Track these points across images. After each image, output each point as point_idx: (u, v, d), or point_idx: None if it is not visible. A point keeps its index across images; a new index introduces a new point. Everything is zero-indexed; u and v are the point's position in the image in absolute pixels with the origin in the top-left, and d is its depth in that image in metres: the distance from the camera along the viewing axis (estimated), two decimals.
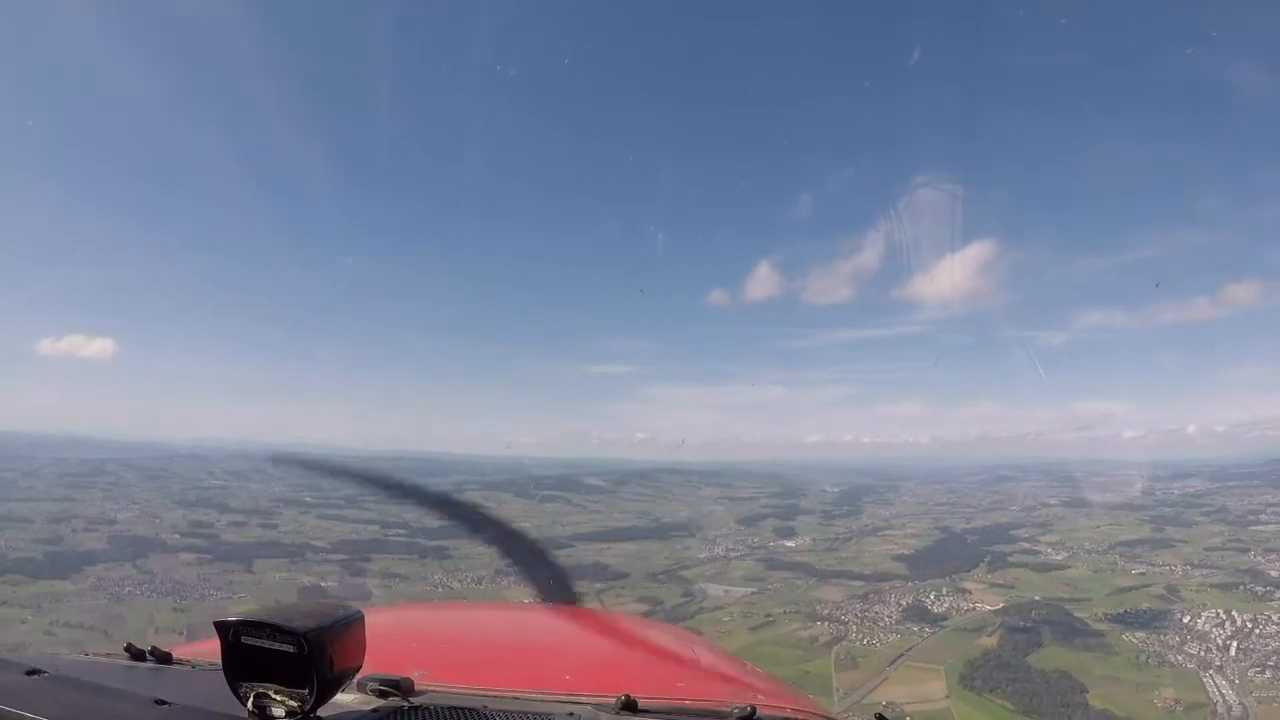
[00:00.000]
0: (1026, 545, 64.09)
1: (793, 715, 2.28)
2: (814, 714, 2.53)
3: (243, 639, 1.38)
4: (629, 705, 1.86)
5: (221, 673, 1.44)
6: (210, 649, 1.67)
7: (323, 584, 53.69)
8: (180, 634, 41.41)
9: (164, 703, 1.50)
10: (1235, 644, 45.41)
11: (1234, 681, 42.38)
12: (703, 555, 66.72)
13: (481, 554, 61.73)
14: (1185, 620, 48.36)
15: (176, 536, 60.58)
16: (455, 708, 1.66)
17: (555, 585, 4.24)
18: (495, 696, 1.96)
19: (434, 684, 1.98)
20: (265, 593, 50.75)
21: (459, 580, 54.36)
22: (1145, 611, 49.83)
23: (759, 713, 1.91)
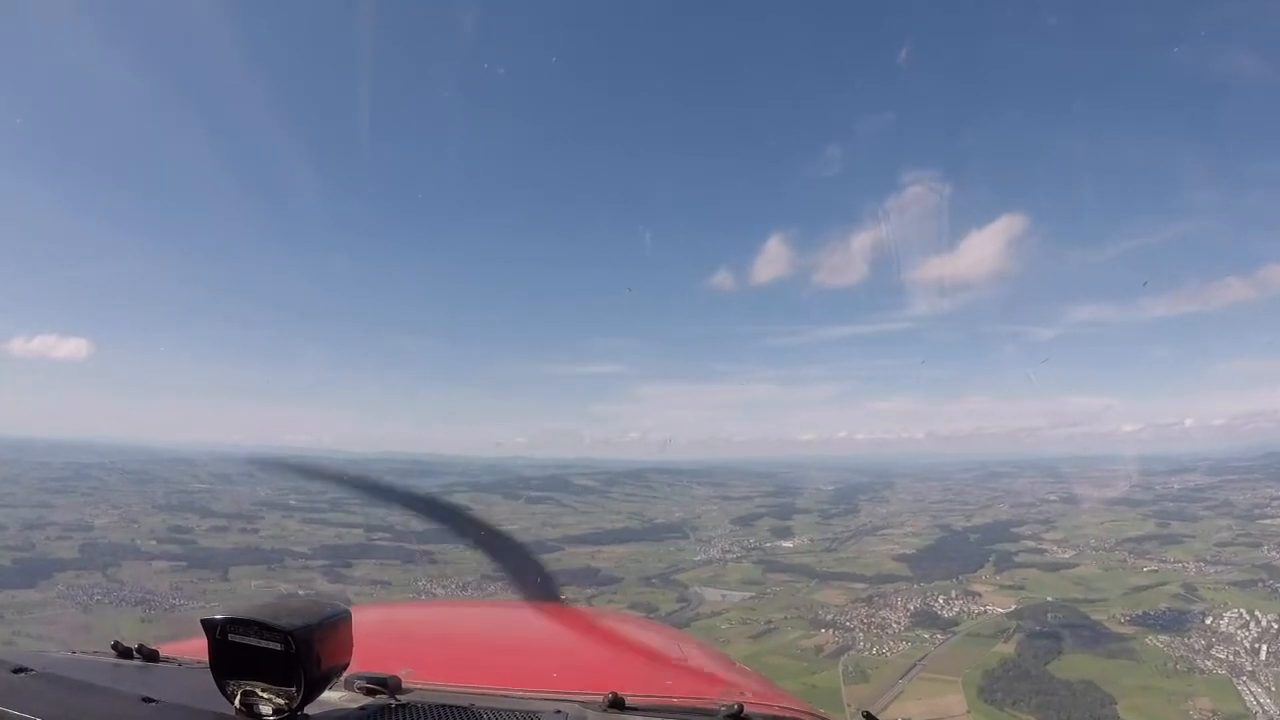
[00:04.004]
0: (1031, 543, 60.02)
1: (780, 713, 2.22)
2: (802, 712, 2.38)
3: (230, 637, 1.32)
4: (616, 703, 1.79)
5: (209, 671, 1.37)
6: (197, 647, 1.60)
7: (300, 592, 48.64)
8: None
9: (151, 700, 1.45)
10: (1265, 647, 40.87)
11: (1270, 689, 37.74)
12: (697, 558, 62.51)
13: (469, 559, 57.92)
14: (1208, 621, 43.99)
15: (153, 543, 56.29)
16: (442, 705, 1.59)
17: (540, 586, 3.90)
18: (482, 694, 1.86)
19: (421, 682, 1.87)
20: (240, 602, 45.68)
21: (444, 586, 50.69)
22: (1165, 613, 45.61)
23: (746, 710, 1.83)
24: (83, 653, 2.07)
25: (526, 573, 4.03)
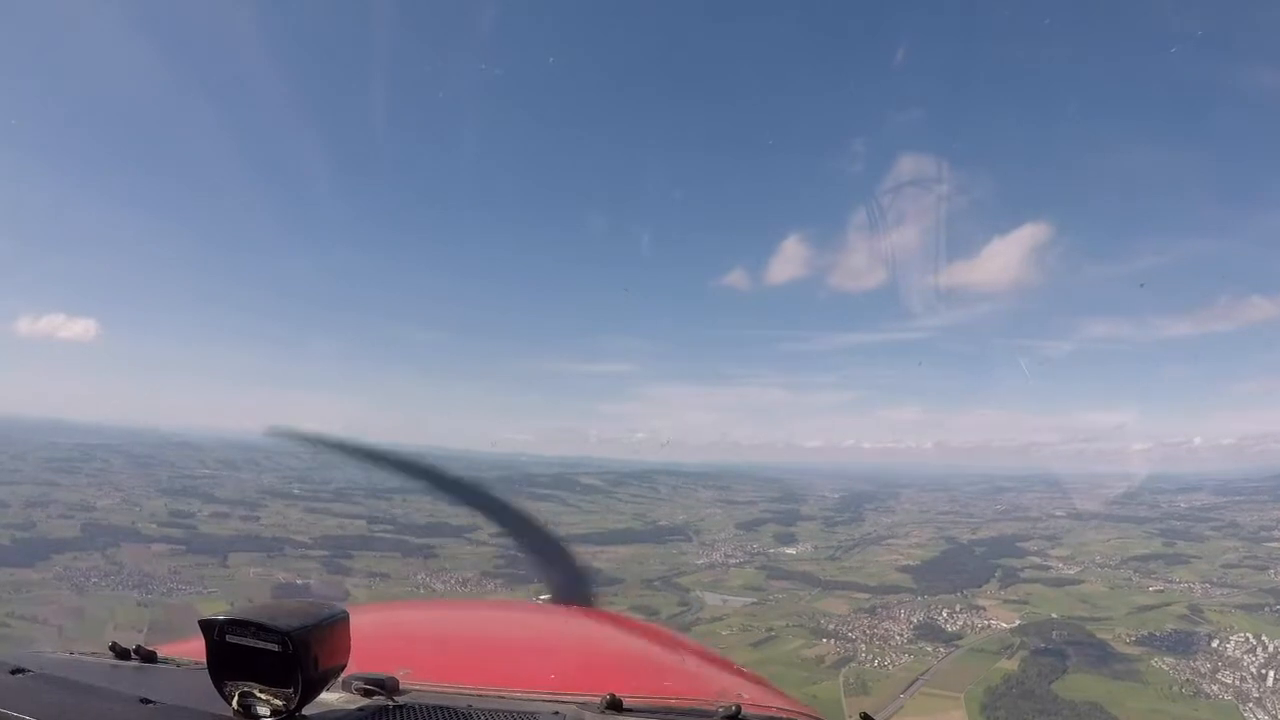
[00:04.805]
0: (1037, 559, 59.22)
1: (778, 714, 2.15)
2: (800, 713, 2.33)
3: (227, 638, 1.31)
4: (614, 704, 1.75)
5: (206, 672, 1.36)
6: (195, 648, 1.57)
7: (299, 581, 48.60)
8: (140, 631, 36.60)
9: (149, 701, 1.43)
10: (1272, 673, 40.05)
11: (1277, 716, 36.96)
12: (700, 561, 61.72)
13: (468, 554, 57.67)
14: (1214, 645, 43.14)
15: (154, 526, 55.70)
16: (440, 707, 1.57)
17: (572, 585, 3.92)
18: (480, 695, 1.82)
19: (419, 683, 1.82)
20: (237, 589, 46.29)
21: (443, 581, 50.35)
22: (1171, 634, 44.61)
23: (744, 711, 1.78)
24: (80, 653, 1.95)
25: (558, 570, 3.89)
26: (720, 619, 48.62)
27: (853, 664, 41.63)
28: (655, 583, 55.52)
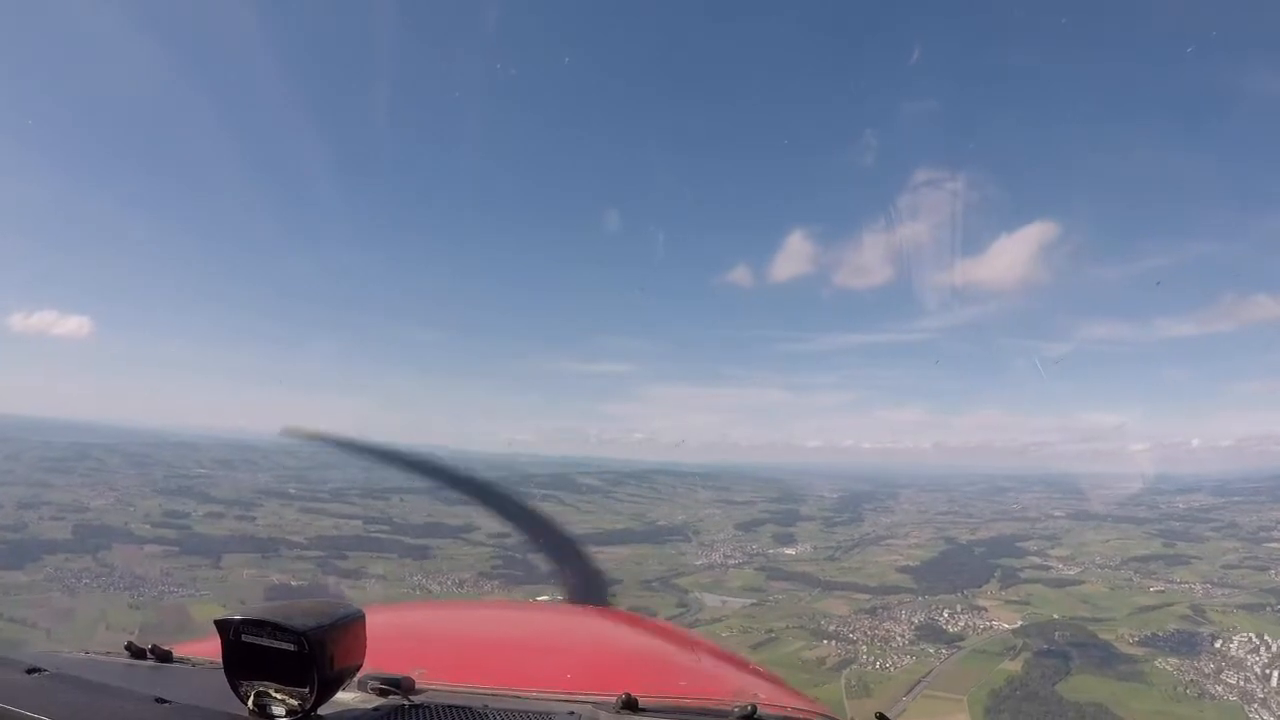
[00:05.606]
0: (1037, 559, 58.82)
1: (793, 714, 2.16)
2: (815, 712, 2.32)
3: (243, 637, 1.32)
4: (630, 704, 1.76)
5: (222, 671, 1.37)
6: (211, 648, 1.59)
7: (293, 583, 47.62)
8: (131, 633, 35.56)
9: (165, 701, 1.44)
10: (1276, 674, 39.59)
11: None
12: (699, 561, 61.17)
13: (465, 555, 57.00)
14: (1217, 645, 42.64)
15: (147, 527, 54.93)
16: (455, 706, 1.59)
17: (588, 585, 3.92)
18: (496, 695, 1.83)
19: (434, 682, 1.84)
20: (230, 590, 45.38)
21: (438, 583, 49.57)
22: (1174, 635, 44.09)
23: (760, 711, 1.79)
24: (95, 653, 1.97)
25: (574, 570, 3.89)
26: (720, 620, 47.92)
27: (854, 666, 41.09)
28: (654, 583, 54.86)
